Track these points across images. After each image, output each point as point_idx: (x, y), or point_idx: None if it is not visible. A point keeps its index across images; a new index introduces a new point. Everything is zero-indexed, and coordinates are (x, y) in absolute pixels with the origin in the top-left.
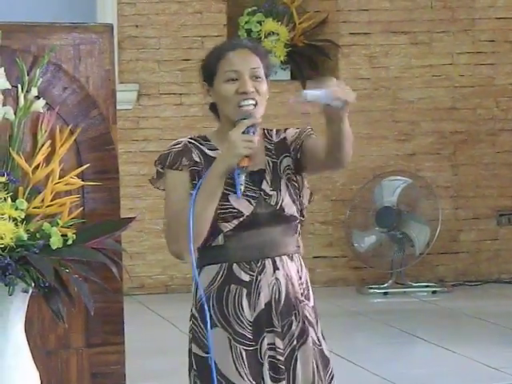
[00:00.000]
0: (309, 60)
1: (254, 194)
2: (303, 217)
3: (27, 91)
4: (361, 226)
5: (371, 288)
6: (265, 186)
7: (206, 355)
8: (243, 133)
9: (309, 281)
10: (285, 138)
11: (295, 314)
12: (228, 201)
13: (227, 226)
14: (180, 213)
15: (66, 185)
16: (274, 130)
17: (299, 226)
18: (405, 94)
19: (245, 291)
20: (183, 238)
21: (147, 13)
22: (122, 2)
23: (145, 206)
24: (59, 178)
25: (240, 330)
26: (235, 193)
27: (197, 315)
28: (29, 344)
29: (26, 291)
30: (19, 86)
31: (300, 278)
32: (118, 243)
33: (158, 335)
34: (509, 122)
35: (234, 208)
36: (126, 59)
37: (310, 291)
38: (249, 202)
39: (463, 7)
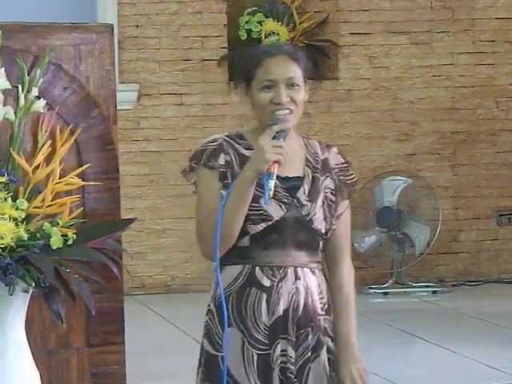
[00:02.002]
0: (309, 60)
1: (286, 200)
2: (326, 236)
3: (28, 91)
4: (361, 226)
5: (371, 288)
6: (300, 194)
7: (216, 353)
8: (273, 138)
9: (330, 297)
10: (327, 160)
11: (312, 326)
12: (259, 203)
13: (254, 229)
14: (210, 215)
15: (66, 185)
16: (317, 143)
17: (322, 244)
18: (405, 94)
19: (264, 296)
20: (212, 240)
21: (147, 13)
22: (122, 2)
23: (145, 206)
24: (59, 178)
25: (255, 334)
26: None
27: (214, 311)
28: (29, 344)
29: (26, 291)
30: (19, 86)
31: (320, 292)
32: (119, 243)
33: (158, 335)
34: (509, 122)
35: (265, 211)
36: (126, 59)
37: (331, 307)
38: (280, 207)
39: (463, 7)
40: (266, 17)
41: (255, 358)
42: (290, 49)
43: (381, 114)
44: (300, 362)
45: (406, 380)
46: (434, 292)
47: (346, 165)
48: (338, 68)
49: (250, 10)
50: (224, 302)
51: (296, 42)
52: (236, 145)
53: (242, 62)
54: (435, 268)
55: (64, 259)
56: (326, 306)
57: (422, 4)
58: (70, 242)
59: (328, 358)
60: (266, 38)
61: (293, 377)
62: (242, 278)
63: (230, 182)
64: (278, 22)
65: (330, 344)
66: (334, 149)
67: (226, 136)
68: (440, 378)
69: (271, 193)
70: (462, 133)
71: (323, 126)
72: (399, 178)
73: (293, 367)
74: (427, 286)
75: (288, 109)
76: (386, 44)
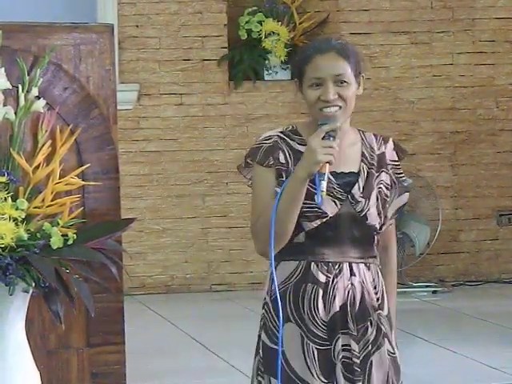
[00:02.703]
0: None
1: (340, 196)
2: (381, 230)
3: (28, 91)
4: None
5: None
6: (355, 190)
7: (275, 346)
8: (323, 138)
9: (384, 291)
10: (384, 154)
11: (370, 320)
12: (313, 200)
13: (309, 225)
14: (263, 214)
15: (66, 185)
16: (373, 136)
17: (377, 238)
18: (405, 94)
19: (321, 292)
20: (266, 239)
21: (147, 13)
22: (122, 2)
23: (145, 206)
24: (60, 178)
25: (313, 329)
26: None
27: (270, 305)
28: (29, 344)
29: (26, 291)
30: (20, 85)
31: (375, 287)
32: (119, 243)
33: (158, 335)
34: (509, 122)
35: (319, 208)
36: (126, 59)
37: (385, 301)
38: (335, 203)
39: (463, 7)
40: (266, 17)
41: (315, 352)
42: (340, 45)
43: (381, 114)
44: (362, 356)
45: (405, 380)
46: (434, 292)
47: (398, 163)
48: None
49: (250, 9)
50: (279, 299)
51: (296, 41)
52: (290, 141)
53: (296, 59)
54: (435, 268)
55: (64, 259)
56: (381, 300)
57: (422, 4)
58: (70, 242)
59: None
60: (266, 37)
61: (359, 370)
62: (297, 274)
63: (284, 179)
64: (278, 21)
65: (387, 344)
66: (391, 143)
67: (280, 132)
68: (440, 377)
69: (324, 194)
70: (462, 133)
71: None
72: None
73: (358, 360)
74: (427, 286)
75: (336, 105)
76: (386, 44)
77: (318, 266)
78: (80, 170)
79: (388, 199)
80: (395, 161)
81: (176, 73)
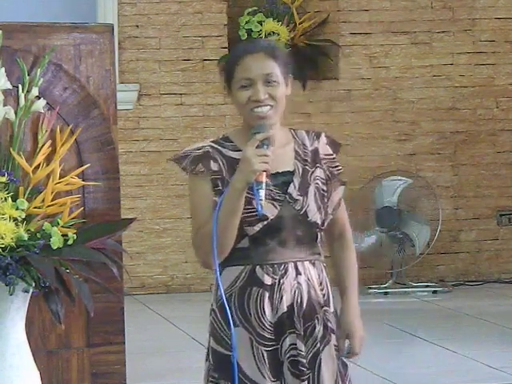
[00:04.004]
0: (309, 60)
1: (279, 198)
2: (323, 226)
3: (28, 91)
4: (361, 226)
5: (371, 288)
6: (291, 189)
7: (228, 352)
8: (257, 147)
9: (330, 287)
10: (317, 150)
11: (317, 317)
12: (252, 204)
13: (252, 230)
14: (204, 225)
15: (66, 185)
16: (304, 133)
17: (320, 234)
18: (405, 94)
19: (267, 294)
20: (208, 249)
21: (148, 13)
22: (122, 2)
23: (145, 206)
24: (60, 178)
25: (261, 332)
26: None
27: (217, 311)
28: (29, 344)
29: (26, 291)
30: (20, 86)
31: (320, 283)
32: (119, 243)
33: (158, 335)
34: (509, 122)
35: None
36: (126, 59)
37: (331, 298)
38: (273, 205)
39: (463, 7)
40: (266, 17)
41: (265, 355)
42: (269, 46)
43: (381, 114)
44: (311, 354)
45: (405, 380)
46: (434, 292)
47: (333, 156)
48: (338, 68)
49: (250, 9)
50: (226, 304)
51: (296, 41)
52: (222, 149)
53: (225, 61)
54: (435, 268)
55: (64, 259)
56: (327, 297)
57: (422, 4)
58: (70, 242)
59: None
60: (266, 37)
61: (305, 369)
62: (242, 279)
63: (221, 188)
64: (279, 21)
65: (334, 340)
66: (323, 138)
67: (212, 142)
68: (440, 377)
69: (263, 202)
70: (462, 133)
71: (323, 126)
72: (399, 177)
73: (304, 360)
74: (427, 286)
75: (267, 105)
76: (386, 44)
77: (263, 268)
78: (80, 170)
79: (326, 194)
80: (329, 154)
81: (176, 73)
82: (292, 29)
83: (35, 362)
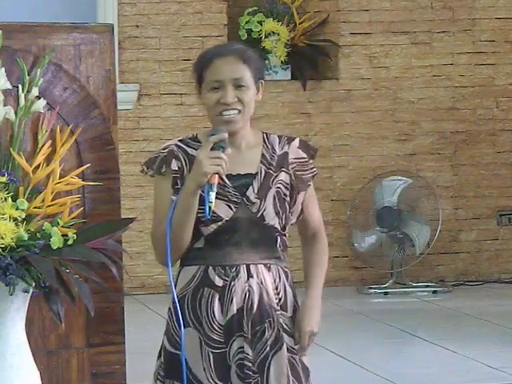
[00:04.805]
0: (309, 60)
1: (235, 199)
2: (284, 230)
3: (28, 91)
4: (361, 226)
5: (371, 288)
6: (250, 192)
7: (177, 352)
8: (212, 149)
9: (290, 293)
10: (287, 154)
11: (269, 321)
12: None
13: (206, 230)
14: (162, 225)
15: (66, 185)
16: (277, 138)
17: (281, 239)
18: (405, 94)
19: (217, 296)
20: (163, 249)
21: (148, 13)
22: (122, 2)
23: (145, 206)
24: (60, 178)
25: (210, 333)
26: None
27: (172, 310)
28: (29, 344)
29: (26, 291)
30: (20, 86)
31: (276, 287)
32: (119, 243)
33: (158, 335)
34: (509, 122)
35: (214, 212)
36: (126, 59)
37: (289, 302)
38: (229, 207)
39: (463, 7)
40: (266, 17)
41: (211, 356)
42: (241, 49)
43: (381, 114)
44: (259, 359)
45: (405, 380)
46: (434, 292)
47: (305, 159)
48: (338, 68)
49: (250, 10)
50: (178, 304)
51: (296, 41)
52: (188, 148)
53: (196, 63)
54: (435, 268)
55: (64, 259)
56: (282, 301)
57: (422, 4)
58: (70, 242)
59: (290, 356)
60: (266, 37)
61: (251, 373)
62: (196, 279)
63: (179, 187)
64: (278, 21)
65: (291, 344)
66: (296, 142)
67: (179, 141)
68: (440, 377)
69: (212, 205)
70: (462, 133)
71: (323, 126)
72: (399, 177)
73: (250, 364)
74: (427, 286)
75: (235, 109)
76: (386, 44)
77: (215, 270)
78: (80, 170)
79: (287, 198)
80: (301, 158)
81: (176, 73)
82: (292, 29)
83: (35, 361)
